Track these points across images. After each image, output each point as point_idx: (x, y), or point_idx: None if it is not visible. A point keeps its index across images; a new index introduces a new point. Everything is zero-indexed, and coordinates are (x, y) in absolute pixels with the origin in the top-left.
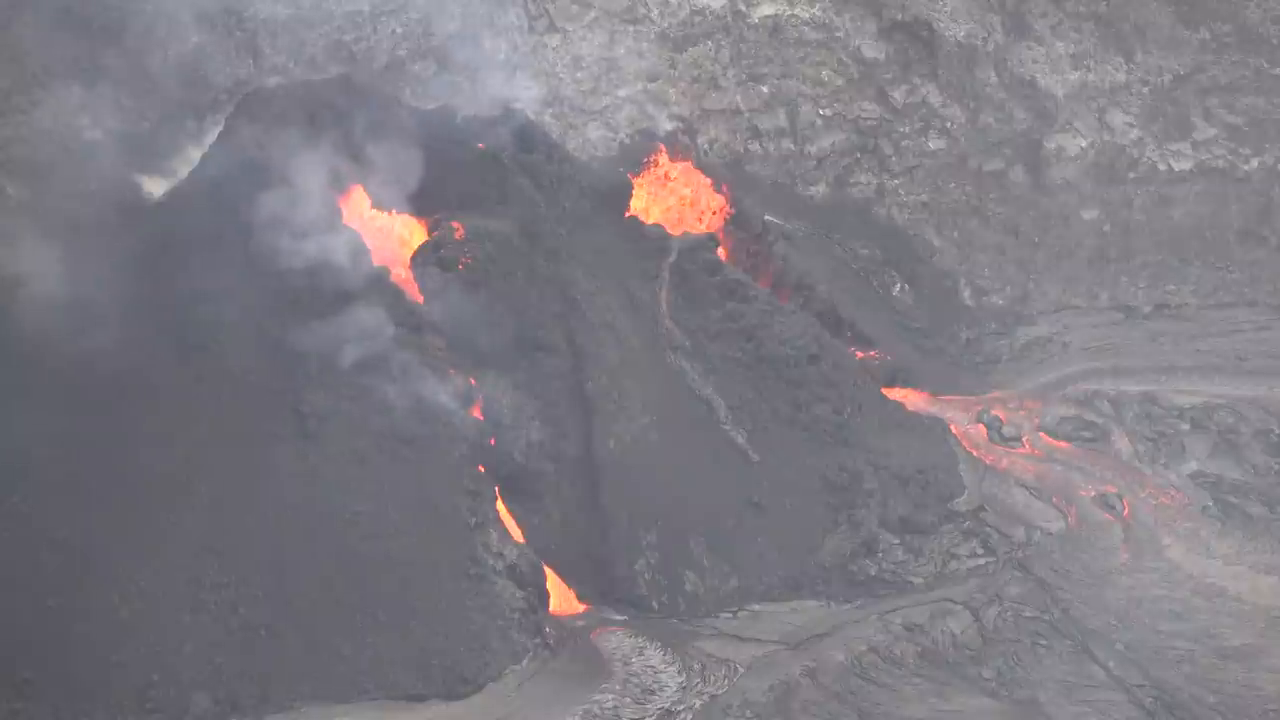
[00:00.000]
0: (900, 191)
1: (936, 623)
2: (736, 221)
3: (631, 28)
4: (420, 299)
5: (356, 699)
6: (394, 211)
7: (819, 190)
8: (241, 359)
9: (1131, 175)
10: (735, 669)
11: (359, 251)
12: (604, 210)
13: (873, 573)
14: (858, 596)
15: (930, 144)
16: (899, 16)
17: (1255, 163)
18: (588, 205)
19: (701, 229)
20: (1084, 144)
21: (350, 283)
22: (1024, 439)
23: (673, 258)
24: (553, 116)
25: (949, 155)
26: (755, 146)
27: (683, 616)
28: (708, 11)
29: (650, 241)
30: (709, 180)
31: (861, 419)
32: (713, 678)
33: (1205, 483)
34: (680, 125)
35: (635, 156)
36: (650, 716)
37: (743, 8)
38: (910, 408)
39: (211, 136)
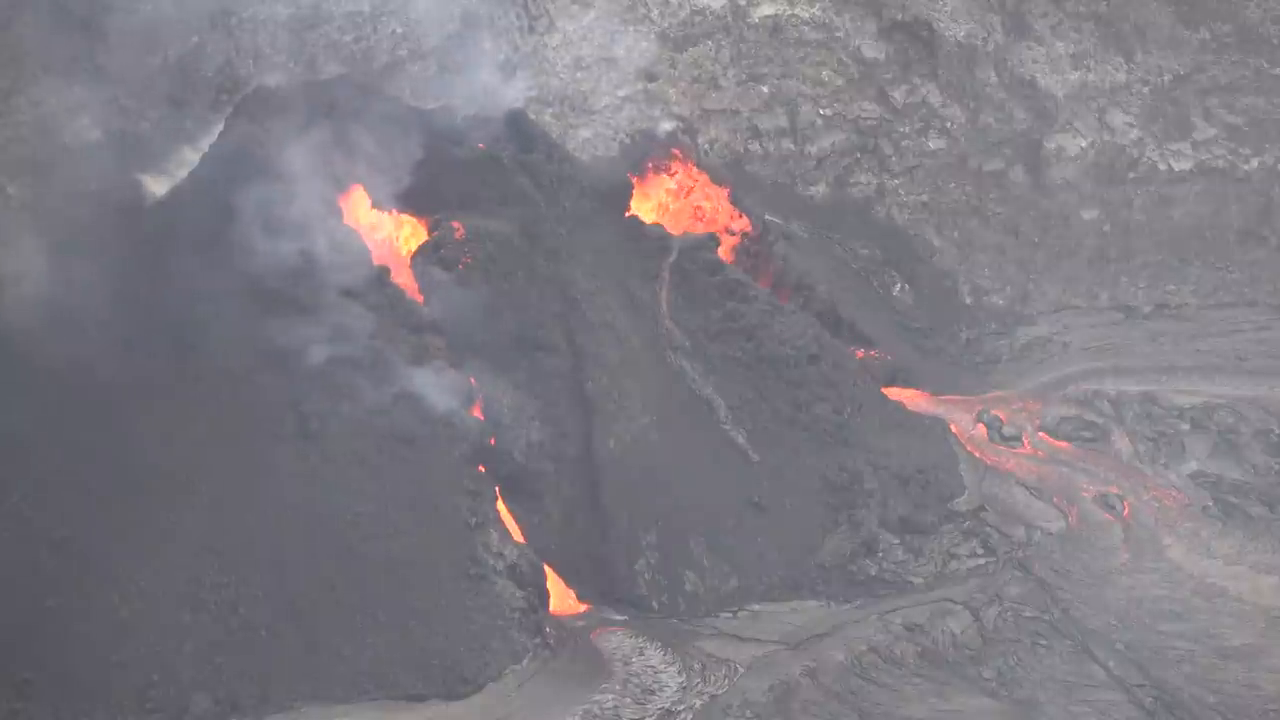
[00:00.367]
0: (900, 191)
1: (936, 623)
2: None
3: (631, 28)
4: (420, 299)
5: (356, 699)
6: (394, 211)
7: (819, 190)
8: (241, 359)
9: (1131, 175)
10: (735, 669)
11: (359, 251)
12: (604, 210)
13: (873, 573)
14: (858, 596)
15: (930, 144)
16: (899, 16)
17: (1255, 163)
18: (588, 205)
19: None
20: (1084, 144)
21: (350, 283)
22: (1024, 439)
23: (673, 258)
24: (553, 116)
25: (949, 155)
26: (755, 146)
27: (683, 616)
28: (708, 11)
29: (650, 241)
30: (709, 180)
31: (861, 419)
32: (713, 678)
33: (1205, 483)
34: (680, 125)
35: (635, 156)
36: (650, 716)
37: (743, 6)
38: (910, 408)
39: (211, 136)
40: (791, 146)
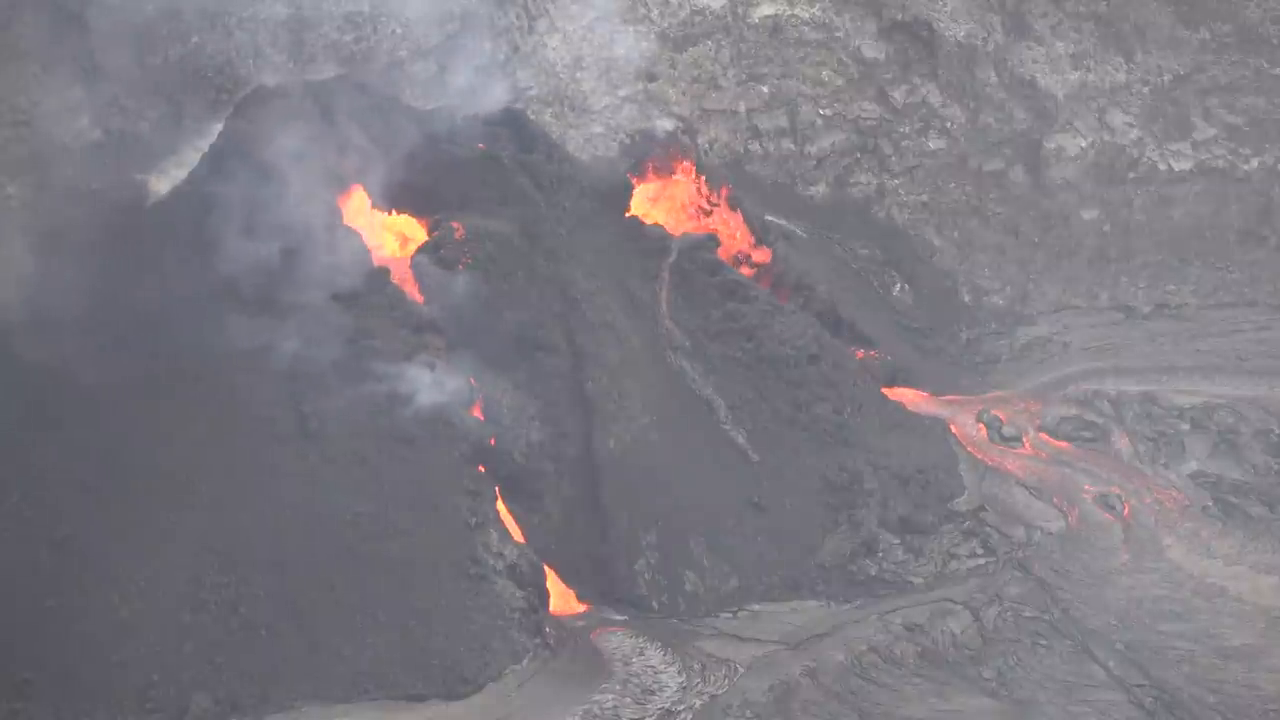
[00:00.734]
0: (900, 191)
1: (936, 623)
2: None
3: (631, 28)
4: (420, 299)
5: (356, 699)
6: (394, 211)
7: (819, 190)
8: (240, 359)
9: (1131, 175)
10: (735, 669)
11: (359, 251)
12: (604, 210)
13: (873, 573)
14: (858, 596)
15: (930, 144)
16: (899, 16)
17: (1255, 163)
18: (588, 205)
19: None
20: (1084, 144)
21: (350, 283)
22: (1024, 439)
23: (673, 258)
24: (553, 116)
25: (949, 155)
26: (755, 146)
27: (683, 616)
28: (708, 11)
29: (650, 241)
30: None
31: (861, 419)
32: (713, 678)
33: (1205, 483)
34: (680, 125)
35: (635, 156)
36: (650, 716)
37: (742, 8)
38: (910, 408)
39: (211, 136)
40: (791, 146)
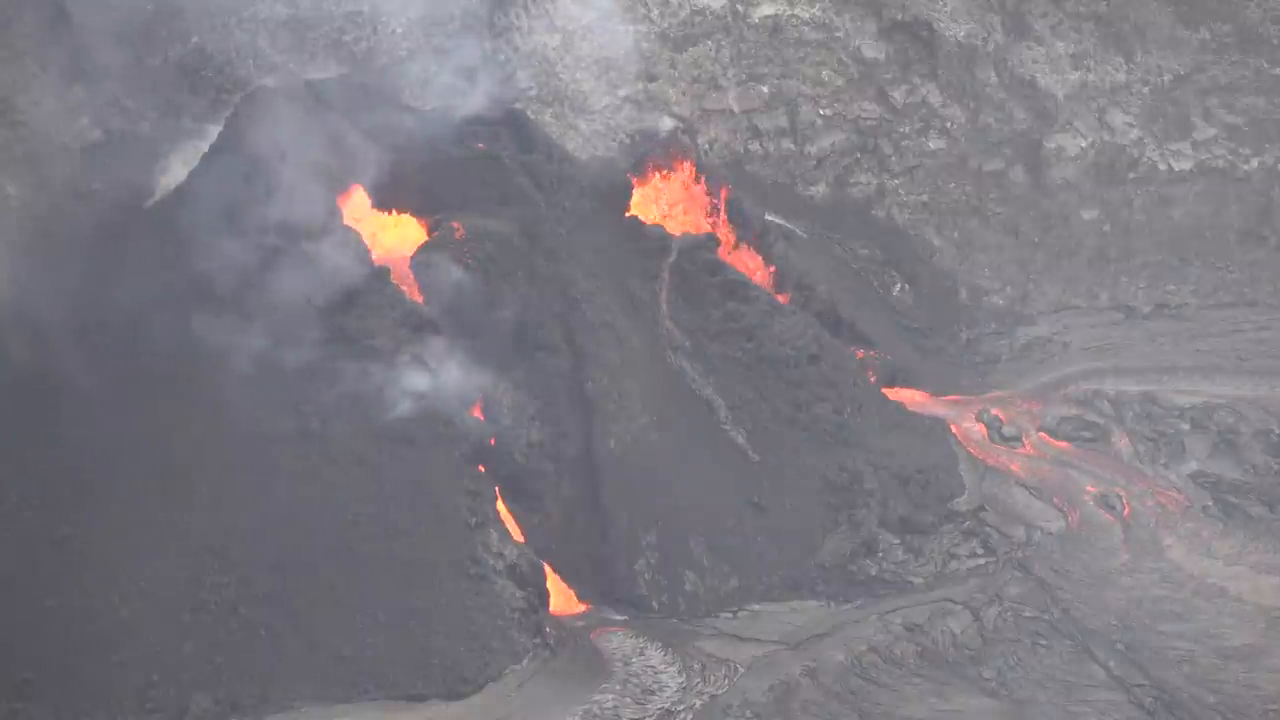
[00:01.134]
0: (900, 191)
1: (936, 623)
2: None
3: (631, 28)
4: (420, 299)
5: (356, 699)
6: (394, 211)
7: (819, 190)
8: (240, 358)
9: (1131, 175)
10: (735, 669)
11: (359, 251)
12: (604, 210)
13: (873, 573)
14: (858, 596)
15: (930, 144)
16: (899, 16)
17: (1255, 163)
18: (587, 205)
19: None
20: (1084, 144)
21: (350, 283)
22: (1024, 439)
23: (673, 258)
24: (553, 116)
25: (949, 155)
26: (755, 146)
27: (683, 616)
28: (708, 11)
29: (650, 241)
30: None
31: (861, 419)
32: (713, 678)
33: (1205, 483)
34: (680, 125)
35: (635, 156)
36: (650, 716)
37: (742, 8)
38: (910, 408)
39: (211, 137)
40: (791, 146)
